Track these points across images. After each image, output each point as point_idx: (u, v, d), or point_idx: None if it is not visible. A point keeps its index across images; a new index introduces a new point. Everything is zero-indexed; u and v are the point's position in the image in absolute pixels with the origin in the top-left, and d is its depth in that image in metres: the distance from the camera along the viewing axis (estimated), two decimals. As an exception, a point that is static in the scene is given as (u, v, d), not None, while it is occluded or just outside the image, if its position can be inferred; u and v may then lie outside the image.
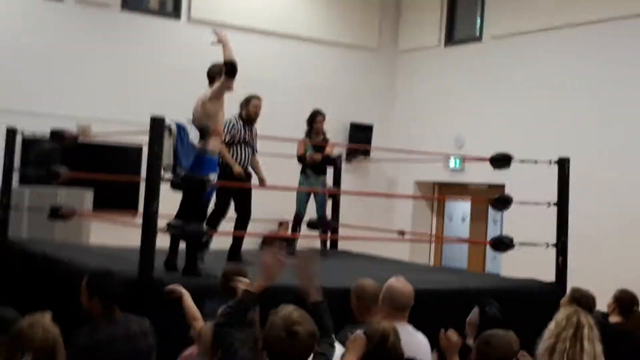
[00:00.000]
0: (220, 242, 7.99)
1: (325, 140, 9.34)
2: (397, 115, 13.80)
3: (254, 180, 8.24)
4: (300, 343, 3.26)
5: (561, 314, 3.71)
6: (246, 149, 7.98)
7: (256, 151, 8.24)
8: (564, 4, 11.32)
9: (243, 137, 7.93)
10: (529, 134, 11.27)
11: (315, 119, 9.31)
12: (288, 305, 3.43)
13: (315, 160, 9.13)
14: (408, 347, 3.97)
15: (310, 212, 9.42)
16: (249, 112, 8.04)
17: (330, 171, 9.88)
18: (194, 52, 11.84)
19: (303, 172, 9.25)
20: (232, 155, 7.79)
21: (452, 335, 4.38)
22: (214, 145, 6.73)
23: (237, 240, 7.99)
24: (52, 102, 10.99)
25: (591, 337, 3.62)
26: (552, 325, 3.72)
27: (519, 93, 11.81)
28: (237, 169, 7.74)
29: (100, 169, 9.92)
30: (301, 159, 9.20)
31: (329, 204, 9.84)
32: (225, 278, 5.15)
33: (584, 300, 5.62)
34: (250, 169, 8.11)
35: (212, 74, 6.96)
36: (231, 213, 7.93)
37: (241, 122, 7.99)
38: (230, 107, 7.62)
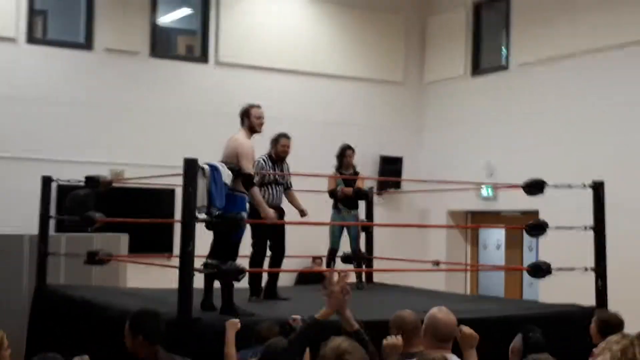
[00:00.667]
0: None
1: (356, 174, 9.37)
2: (426, 146, 13.82)
3: (293, 215, 8.28)
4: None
5: (615, 346, 3.58)
6: (277, 187, 8.04)
7: (290, 186, 8.30)
8: (589, 29, 11.30)
9: (273, 176, 8.00)
10: (560, 159, 11.20)
11: (345, 154, 9.35)
12: (338, 337, 3.42)
13: (347, 195, 9.16)
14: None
15: (344, 246, 9.43)
16: (278, 152, 8.14)
17: (362, 205, 9.89)
18: (222, 95, 12.07)
19: (335, 207, 9.27)
20: (264, 195, 7.79)
21: (466, 328, 4.35)
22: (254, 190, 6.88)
23: (273, 278, 8.03)
24: (85, 149, 11.15)
25: None
26: (607, 357, 3.61)
27: (548, 119, 11.77)
28: (268, 213, 7.29)
29: (134, 213, 10.02)
30: (332, 194, 9.22)
31: (363, 237, 9.83)
32: (260, 333, 5.25)
33: (613, 322, 5.54)
34: (282, 206, 8.15)
35: (242, 114, 7.09)
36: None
37: (270, 162, 8.06)
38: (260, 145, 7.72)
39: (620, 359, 3.46)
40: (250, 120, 7.07)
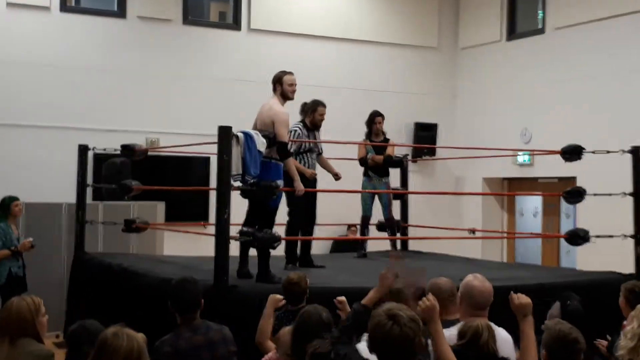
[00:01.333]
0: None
1: (386, 141, 9.28)
2: (461, 112, 13.69)
3: (326, 182, 8.26)
4: (403, 326, 3.20)
5: None
6: (311, 155, 8.01)
7: (321, 152, 8.26)
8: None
9: (308, 144, 7.96)
10: (598, 124, 11.04)
11: (374, 120, 9.23)
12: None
13: (377, 162, 9.08)
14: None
15: (377, 213, 9.39)
16: (315, 120, 8.04)
17: (396, 172, 9.84)
18: (254, 62, 12.03)
19: (366, 174, 9.21)
20: (300, 164, 7.81)
21: (522, 296, 4.27)
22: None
23: (306, 245, 8.03)
24: (120, 117, 11.22)
25: None
26: (635, 325, 3.61)
27: (585, 83, 11.58)
28: (309, 172, 7.79)
29: (170, 181, 10.11)
30: (363, 161, 9.16)
31: (397, 204, 9.80)
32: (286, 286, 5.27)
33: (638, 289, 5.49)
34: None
35: (274, 81, 7.09)
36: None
37: (305, 130, 7.99)
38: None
39: None
40: (282, 88, 7.05)
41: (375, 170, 9.12)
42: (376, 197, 9.20)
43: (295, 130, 7.83)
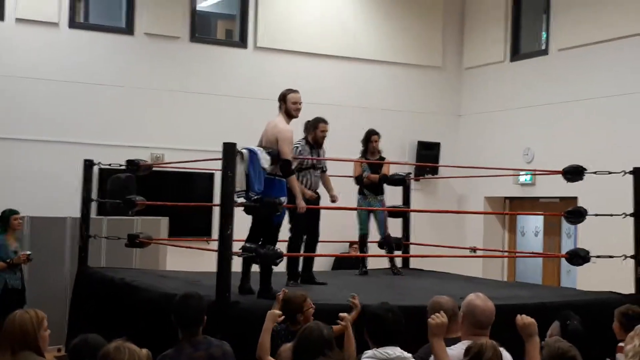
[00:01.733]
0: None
1: (382, 160, 9.32)
2: (464, 131, 13.76)
3: (324, 199, 8.32)
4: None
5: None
6: (314, 172, 8.05)
7: (325, 169, 8.31)
8: (629, 13, 11.15)
9: (311, 161, 8.00)
10: (599, 145, 11.09)
11: (370, 139, 9.23)
12: None
13: (373, 181, 9.09)
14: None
15: (373, 232, 9.40)
16: (317, 137, 8.06)
17: (399, 190, 9.88)
18: (260, 80, 12.12)
19: (361, 192, 9.21)
20: (302, 181, 7.85)
21: (527, 317, 4.31)
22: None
23: (308, 262, 8.06)
24: (125, 133, 11.29)
25: None
26: (636, 343, 3.65)
27: (587, 104, 11.64)
28: (309, 193, 7.81)
29: (174, 197, 10.17)
30: (358, 179, 9.17)
31: (399, 222, 9.83)
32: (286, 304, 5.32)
33: (631, 312, 5.50)
34: (317, 191, 8.16)
35: (279, 99, 7.18)
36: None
37: (308, 147, 8.04)
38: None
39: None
40: (287, 105, 7.09)
41: (371, 188, 9.14)
42: (372, 215, 9.22)
43: (297, 147, 7.85)
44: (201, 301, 4.67)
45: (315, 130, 8.06)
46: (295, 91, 7.21)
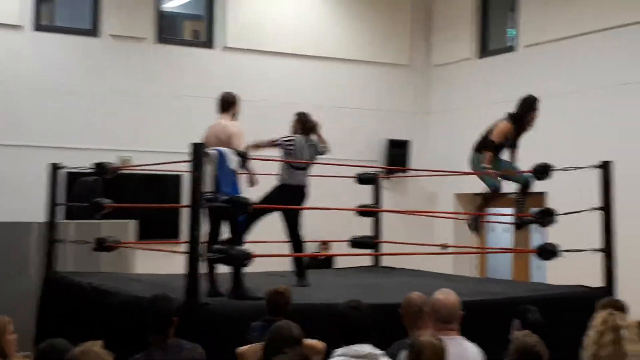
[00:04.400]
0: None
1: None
2: (434, 129, 13.79)
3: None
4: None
5: (597, 320, 3.71)
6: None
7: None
8: (596, 9, 11.25)
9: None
10: (569, 140, 11.17)
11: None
12: None
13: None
14: (459, 359, 3.93)
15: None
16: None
17: (369, 189, 9.85)
18: (229, 80, 12.01)
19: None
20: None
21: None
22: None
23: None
24: (92, 136, 11.18)
25: (631, 338, 3.61)
26: (591, 333, 3.71)
27: (555, 100, 11.69)
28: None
29: (142, 199, 10.08)
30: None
31: (368, 221, 9.76)
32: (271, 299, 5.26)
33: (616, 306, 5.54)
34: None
35: (230, 101, 7.23)
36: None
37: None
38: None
39: (604, 331, 3.59)
40: (236, 109, 7.25)
41: None
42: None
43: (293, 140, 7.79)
44: (170, 303, 4.59)
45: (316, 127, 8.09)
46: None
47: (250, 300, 6.19)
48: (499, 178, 8.08)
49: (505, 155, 8.25)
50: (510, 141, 8.05)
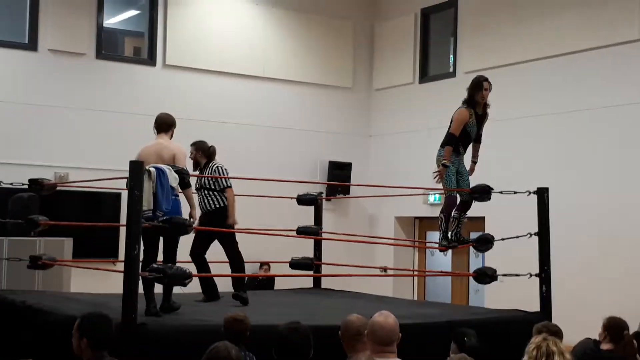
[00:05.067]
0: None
1: None
2: (375, 151, 13.89)
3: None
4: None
5: (531, 345, 3.78)
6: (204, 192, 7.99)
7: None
8: (534, 37, 11.49)
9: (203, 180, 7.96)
10: (505, 165, 11.34)
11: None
12: None
13: None
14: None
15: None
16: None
17: (310, 210, 9.84)
18: (169, 97, 11.95)
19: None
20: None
21: None
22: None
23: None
24: (28, 151, 10.96)
25: None
26: (525, 358, 3.77)
27: (494, 125, 11.79)
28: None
29: (79, 216, 9.90)
30: None
31: (309, 242, 9.76)
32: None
33: (545, 331, 5.62)
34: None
35: (169, 124, 7.28)
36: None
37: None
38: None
39: (537, 356, 3.66)
40: (173, 130, 7.33)
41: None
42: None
43: (220, 167, 7.88)
44: (107, 321, 4.51)
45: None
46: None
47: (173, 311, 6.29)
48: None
49: (467, 161, 8.23)
50: (473, 129, 8.03)
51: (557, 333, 5.56)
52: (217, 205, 7.81)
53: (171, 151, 6.86)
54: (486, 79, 8.16)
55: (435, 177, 7.92)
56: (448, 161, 7.86)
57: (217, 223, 7.67)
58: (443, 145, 8.00)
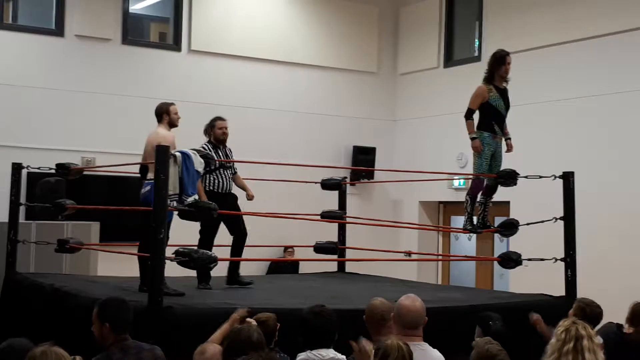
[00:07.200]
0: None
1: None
2: (400, 136, 13.87)
3: (242, 199, 8.18)
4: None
5: (560, 328, 3.74)
6: (225, 172, 7.92)
7: (236, 171, 8.18)
8: (560, 21, 11.39)
9: (219, 162, 7.86)
10: (531, 150, 11.27)
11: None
12: None
13: None
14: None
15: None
16: (217, 135, 7.95)
17: (335, 194, 9.85)
18: (194, 83, 12.02)
19: None
20: (214, 182, 7.78)
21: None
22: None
23: (234, 263, 7.92)
24: (56, 136, 11.06)
25: (592, 348, 3.64)
26: (553, 340, 3.74)
27: (519, 109, 11.79)
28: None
29: (105, 201, 9.98)
30: None
31: (333, 227, 9.77)
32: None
33: (589, 310, 5.64)
34: (233, 192, 8.04)
35: (161, 112, 7.23)
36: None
37: (212, 147, 7.89)
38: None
39: (565, 339, 3.63)
40: (214, 131, 7.61)
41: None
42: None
43: (204, 148, 7.70)
44: (126, 305, 4.60)
45: (213, 130, 7.97)
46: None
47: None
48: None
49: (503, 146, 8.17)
50: (499, 102, 7.97)
51: (596, 308, 5.60)
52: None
53: (160, 142, 6.63)
54: (508, 53, 8.03)
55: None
56: (474, 134, 7.84)
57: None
58: (465, 118, 8.01)
